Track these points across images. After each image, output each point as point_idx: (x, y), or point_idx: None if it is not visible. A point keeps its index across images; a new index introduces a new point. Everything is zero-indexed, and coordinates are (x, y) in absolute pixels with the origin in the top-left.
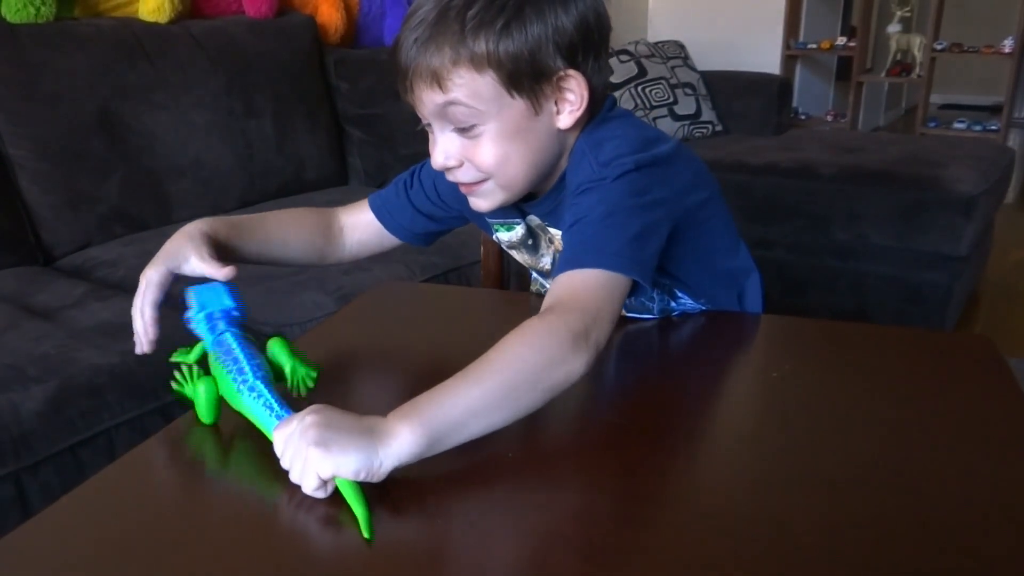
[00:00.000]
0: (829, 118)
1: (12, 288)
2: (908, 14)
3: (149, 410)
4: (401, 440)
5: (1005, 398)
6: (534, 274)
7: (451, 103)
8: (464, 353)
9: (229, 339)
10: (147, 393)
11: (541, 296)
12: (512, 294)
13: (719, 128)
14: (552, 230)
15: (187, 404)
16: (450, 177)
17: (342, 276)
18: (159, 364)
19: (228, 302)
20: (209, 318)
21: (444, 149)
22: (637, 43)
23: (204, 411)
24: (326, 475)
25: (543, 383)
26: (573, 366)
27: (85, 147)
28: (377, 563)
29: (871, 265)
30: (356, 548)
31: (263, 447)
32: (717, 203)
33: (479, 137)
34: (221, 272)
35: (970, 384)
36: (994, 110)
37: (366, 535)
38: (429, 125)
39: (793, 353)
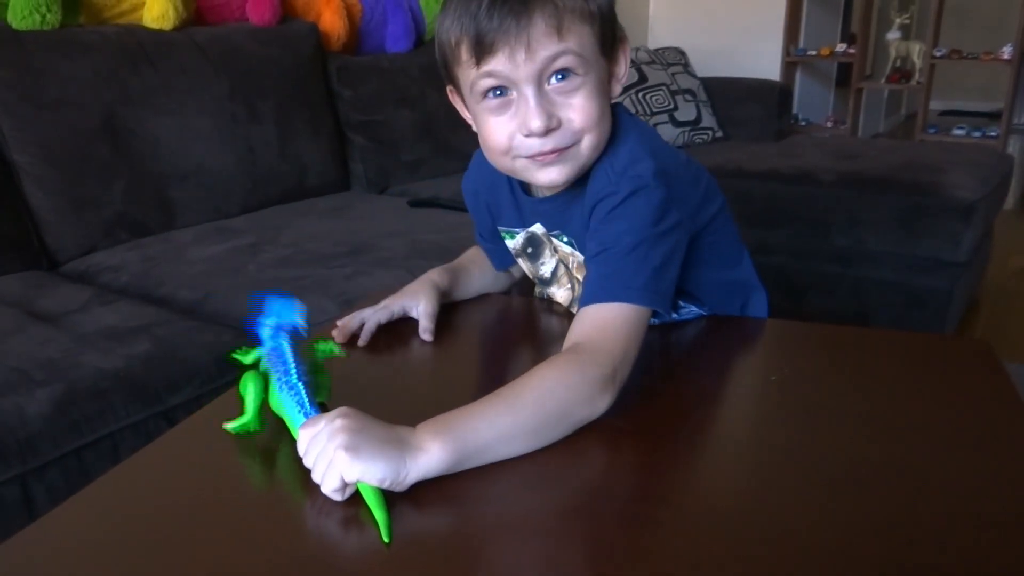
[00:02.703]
0: (829, 124)
1: (17, 293)
2: (907, 21)
3: (153, 414)
4: (430, 455)
5: (1002, 401)
6: (536, 289)
7: (564, 52)
8: (465, 358)
9: (284, 345)
10: (152, 397)
11: (543, 301)
12: (515, 299)
13: (719, 134)
14: (556, 240)
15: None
16: (540, 145)
17: (344, 281)
18: (162, 368)
19: (297, 319)
20: (276, 328)
21: (545, 109)
22: (637, 50)
23: (250, 412)
24: (351, 479)
25: (569, 420)
26: (598, 406)
27: (89, 152)
28: (387, 564)
29: (871, 270)
30: (367, 549)
31: (270, 449)
32: (725, 215)
33: (577, 92)
34: (425, 336)
35: (967, 387)
36: (993, 116)
37: (385, 539)
38: (500, 93)
39: (792, 357)
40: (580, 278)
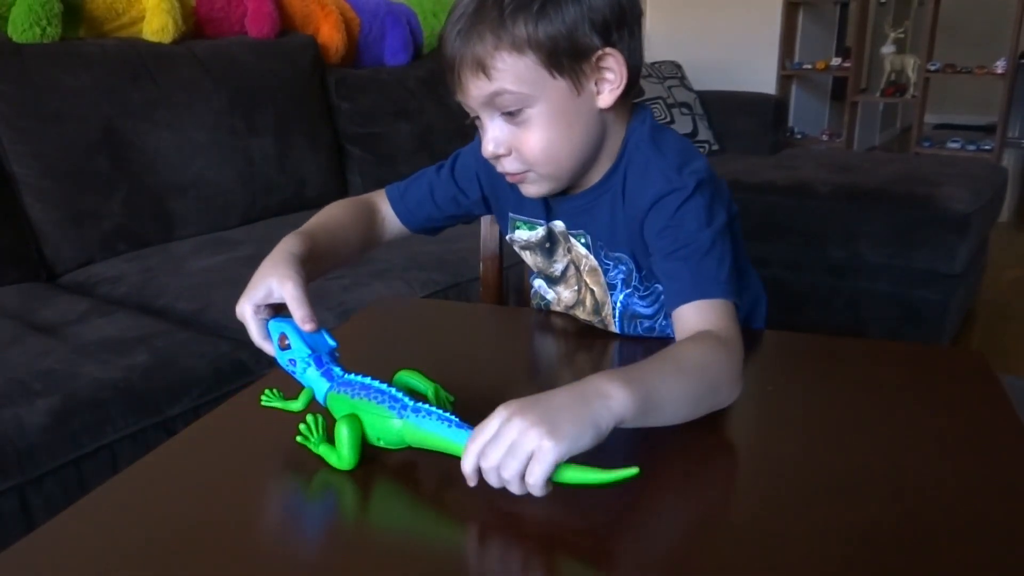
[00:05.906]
0: (824, 137)
1: (16, 304)
2: (902, 35)
3: (151, 424)
4: (619, 399)
5: (994, 410)
6: (535, 286)
7: (497, 93)
8: (464, 367)
9: (358, 379)
10: (149, 407)
11: (541, 310)
12: (511, 310)
13: (715, 147)
14: (573, 240)
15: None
16: (498, 168)
17: (342, 292)
18: (161, 379)
19: (331, 342)
20: (318, 361)
21: (494, 137)
22: None
23: (347, 454)
24: (562, 458)
25: (717, 397)
26: (735, 391)
27: (89, 165)
28: (384, 573)
29: (867, 282)
30: (367, 561)
31: (269, 460)
32: (737, 221)
33: (527, 123)
34: (307, 326)
35: (962, 398)
36: (988, 130)
37: (625, 475)
38: (477, 118)
39: (789, 367)
40: (589, 282)
